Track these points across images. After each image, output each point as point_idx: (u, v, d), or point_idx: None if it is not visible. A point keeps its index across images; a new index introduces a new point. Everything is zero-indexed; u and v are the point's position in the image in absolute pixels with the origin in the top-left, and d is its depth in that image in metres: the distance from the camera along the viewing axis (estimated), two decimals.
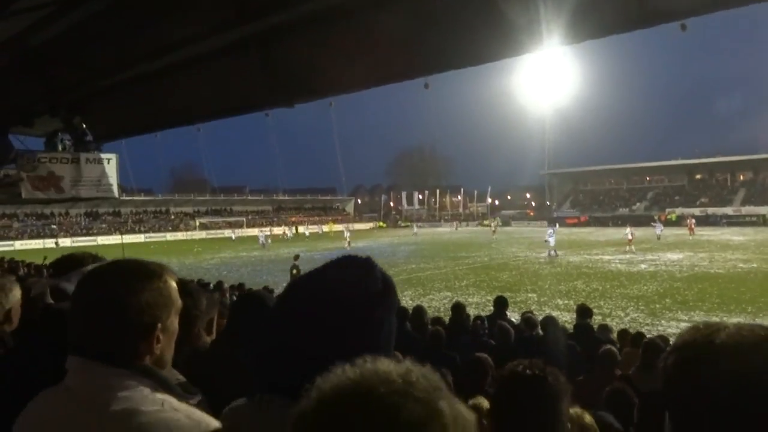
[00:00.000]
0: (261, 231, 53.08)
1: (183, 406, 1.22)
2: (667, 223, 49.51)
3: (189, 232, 70.79)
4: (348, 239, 42.95)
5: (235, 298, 9.31)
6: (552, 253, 29.11)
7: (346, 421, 0.60)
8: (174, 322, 1.33)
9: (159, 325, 1.26)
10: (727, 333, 0.84)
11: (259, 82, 6.74)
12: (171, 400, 1.21)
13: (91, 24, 5.54)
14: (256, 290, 2.70)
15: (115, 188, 10.59)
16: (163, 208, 78.19)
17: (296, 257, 18.73)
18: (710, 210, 62.65)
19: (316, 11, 4.91)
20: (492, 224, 57.81)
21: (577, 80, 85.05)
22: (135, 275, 1.27)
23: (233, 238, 58.24)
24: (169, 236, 67.31)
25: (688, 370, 0.85)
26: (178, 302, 1.33)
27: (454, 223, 74.88)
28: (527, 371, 1.62)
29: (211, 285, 11.55)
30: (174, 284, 1.32)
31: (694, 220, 45.06)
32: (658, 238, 36.87)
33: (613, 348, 5.14)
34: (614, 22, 3.94)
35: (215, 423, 1.16)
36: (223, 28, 5.29)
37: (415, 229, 61.53)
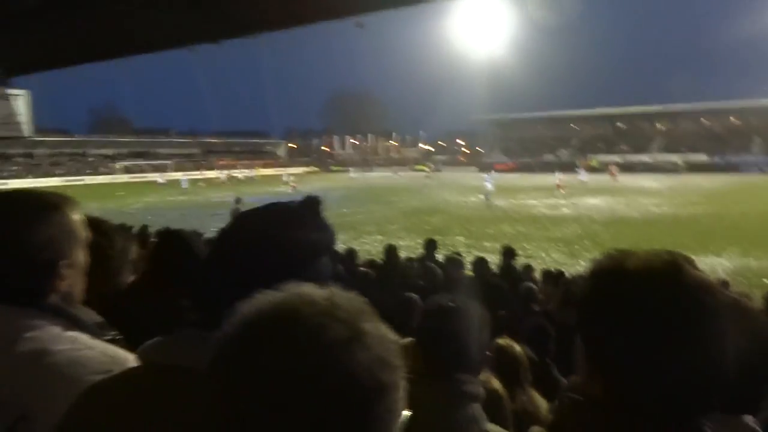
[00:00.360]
0: (184, 175, 50.61)
1: (97, 343, 1.18)
2: (588, 169, 51.70)
3: (110, 176, 67.57)
4: (292, 183, 41.98)
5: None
6: (489, 197, 29.54)
7: (271, 342, 0.60)
8: (80, 256, 1.27)
9: (63, 261, 1.21)
10: (637, 258, 0.89)
11: (184, 16, 6.37)
12: (84, 338, 1.18)
13: None
14: (179, 229, 2.60)
15: (26, 127, 9.90)
16: (81, 150, 74.01)
17: (238, 200, 17.47)
18: (629, 157, 65.90)
19: None
20: (425, 169, 58.50)
21: (510, 29, 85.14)
22: (32, 209, 1.19)
23: (161, 181, 54.02)
24: (88, 180, 63.98)
25: (601, 293, 0.90)
26: (83, 235, 1.27)
27: (394, 168, 74.62)
28: (449, 303, 1.71)
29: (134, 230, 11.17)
30: (77, 217, 1.26)
31: (617, 167, 47.73)
32: (582, 184, 38.57)
33: (533, 285, 5.43)
34: None
35: (132, 358, 1.12)
36: None
37: (352, 174, 61.17)
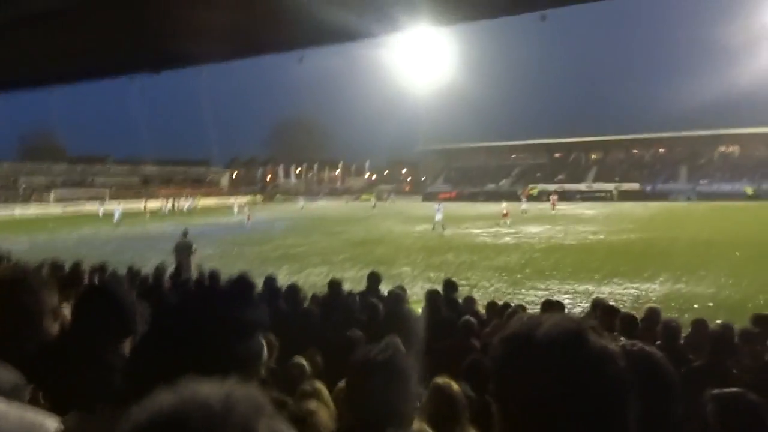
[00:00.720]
0: (118, 206, 45.54)
1: (14, 410, 1.11)
2: (529, 198, 53.35)
3: (43, 205, 64.46)
4: (247, 212, 40.48)
5: (94, 281, 8.67)
6: (439, 227, 29.78)
7: None
8: None
9: None
10: (545, 327, 0.93)
11: (124, 45, 6.23)
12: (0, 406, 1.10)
13: None
14: (104, 284, 2.55)
15: None
16: (11, 179, 70.49)
17: (185, 233, 16.02)
18: (567, 186, 68.35)
19: None
20: (372, 199, 58.77)
21: (452, 62, 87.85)
22: None
23: (101, 214, 49.05)
24: (19, 211, 60.81)
25: (511, 359, 0.94)
26: None
27: (345, 197, 74.47)
28: (377, 357, 1.70)
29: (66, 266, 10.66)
30: None
31: (556, 196, 49.57)
32: (524, 212, 39.64)
33: (471, 319, 5.47)
34: (483, 9, 4.09)
35: (51, 424, 1.07)
36: None
37: (302, 203, 60.57)
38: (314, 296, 7.58)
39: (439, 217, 30.52)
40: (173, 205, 56.67)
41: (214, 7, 5.33)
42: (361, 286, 13.30)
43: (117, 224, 37.13)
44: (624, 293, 13.26)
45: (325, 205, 66.79)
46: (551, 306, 5.93)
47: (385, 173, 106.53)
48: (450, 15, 3.88)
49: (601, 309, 6.07)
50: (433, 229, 29.92)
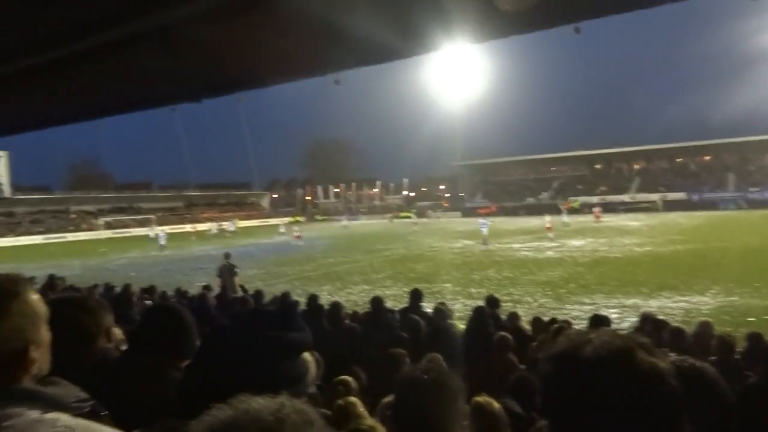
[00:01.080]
0: (158, 229, 46.96)
1: (79, 423, 1.15)
2: (571, 211, 52.39)
3: (93, 232, 66.81)
4: (297, 233, 41.01)
5: (146, 302, 8.92)
6: (485, 243, 29.96)
7: None
8: (44, 334, 1.25)
9: (30, 346, 1.19)
10: (593, 344, 0.92)
11: (164, 76, 6.44)
12: (64, 419, 1.14)
13: None
14: (167, 303, 2.65)
15: (5, 188, 9.84)
16: (63, 207, 73.37)
17: (227, 255, 16.15)
18: (609, 197, 66.88)
19: (224, 3, 4.76)
20: (412, 216, 58.45)
21: (486, 75, 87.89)
22: None
23: (152, 235, 49.09)
24: (71, 237, 63.17)
25: (559, 378, 0.93)
26: (43, 312, 1.25)
27: (387, 215, 74.09)
28: (424, 376, 1.69)
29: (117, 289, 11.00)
30: (34, 296, 1.24)
31: (600, 208, 48.81)
32: (565, 226, 38.92)
33: (507, 335, 5.39)
34: (518, 24, 4.09)
35: None
36: (122, 18, 5.01)
37: (345, 222, 60.98)
38: (356, 314, 7.61)
39: (485, 231, 30.74)
40: (219, 228, 57.90)
41: (252, 35, 5.47)
42: (403, 303, 13.30)
43: (162, 247, 38.03)
44: (674, 307, 12.84)
45: (367, 223, 67.08)
46: (599, 321, 5.79)
47: (423, 190, 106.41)
48: (486, 31, 3.89)
49: (650, 323, 5.90)
50: (483, 243, 29.90)
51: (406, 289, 16.90)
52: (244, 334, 1.07)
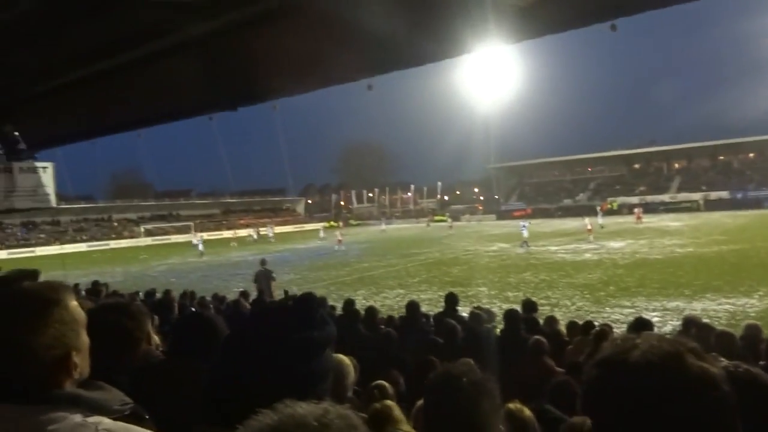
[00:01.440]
0: (198, 236, 47.13)
1: (120, 426, 1.18)
2: (609, 212, 51.34)
3: (134, 239, 68.61)
4: (339, 237, 41.39)
5: (185, 306, 9.10)
6: (525, 245, 29.83)
7: None
8: (84, 339, 1.27)
9: (72, 351, 1.21)
10: (640, 349, 0.89)
11: (201, 86, 6.60)
12: (106, 422, 1.17)
13: (17, 27, 5.29)
14: (201, 312, 2.72)
15: (52, 198, 10.16)
16: (105, 216, 75.56)
17: (263, 262, 16.54)
18: (648, 198, 65.31)
19: (256, 12, 4.84)
20: (447, 219, 58.04)
21: (518, 76, 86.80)
22: (32, 310, 1.18)
23: (194, 241, 46.13)
24: (113, 244, 64.99)
25: (604, 384, 0.90)
26: (83, 318, 1.27)
27: (422, 220, 73.16)
28: (463, 379, 1.66)
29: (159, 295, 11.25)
30: (73, 302, 1.26)
31: (641, 209, 47.22)
32: (601, 227, 38.15)
33: (542, 339, 5.29)
34: (552, 23, 4.05)
35: None
36: (160, 31, 5.15)
37: (383, 226, 60.89)
38: (390, 318, 7.61)
39: (525, 233, 30.65)
40: (258, 233, 58.74)
41: (286, 44, 5.54)
42: (438, 307, 13.22)
43: (201, 254, 38.74)
44: (718, 309, 12.44)
45: (404, 227, 66.99)
46: (642, 325, 5.63)
47: (456, 193, 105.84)
48: (520, 32, 3.86)
49: (695, 327, 5.72)
50: (522, 246, 29.75)
51: (441, 293, 16.81)
52: (259, 335, 1.06)
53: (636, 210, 47.21)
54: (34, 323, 1.17)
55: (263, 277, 15.10)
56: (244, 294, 11.45)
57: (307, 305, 1.11)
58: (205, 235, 49.29)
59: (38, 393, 1.15)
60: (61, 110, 8.17)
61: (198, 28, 5.19)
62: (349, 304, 7.80)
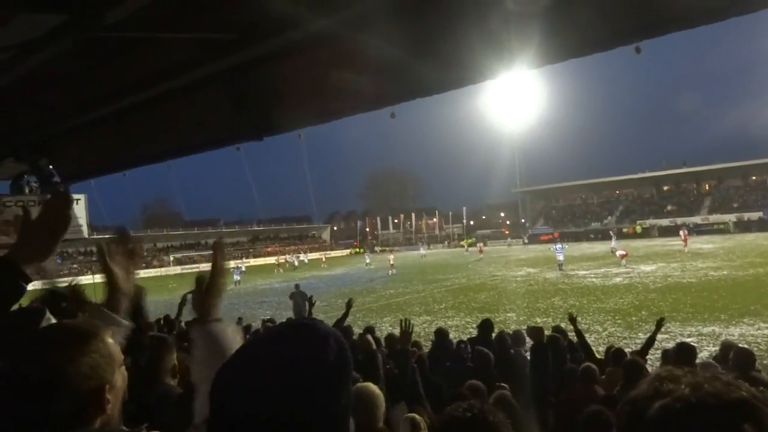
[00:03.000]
0: (236, 265, 45.08)
1: None
2: (635, 236, 50.20)
3: (163, 268, 69.62)
4: (391, 261, 41.09)
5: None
6: (560, 268, 29.76)
7: None
8: (118, 378, 1.29)
9: (106, 386, 1.23)
10: (680, 393, 0.79)
11: (228, 118, 6.71)
12: None
13: (53, 66, 5.48)
14: None
15: (84, 228, 10.38)
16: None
17: (297, 286, 17.67)
18: (679, 220, 64.03)
19: (281, 46, 4.94)
20: (475, 244, 56.66)
21: (542, 100, 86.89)
22: (70, 341, 1.22)
23: (236, 271, 41.91)
24: (143, 273, 65.98)
25: (639, 426, 0.81)
26: (120, 357, 1.30)
27: (462, 243, 70.10)
28: (466, 414, 1.63)
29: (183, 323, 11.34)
30: (110, 340, 1.29)
31: (686, 231, 43.43)
32: (612, 252, 36.93)
33: (593, 366, 5.17)
34: (577, 48, 4.04)
35: None
36: (188, 67, 5.28)
37: (422, 251, 59.81)
38: (416, 343, 7.54)
39: (561, 257, 30.36)
40: (297, 260, 59.17)
41: (309, 75, 5.62)
42: (465, 333, 13.05)
43: (237, 282, 37.91)
44: (757, 334, 12.03)
45: (441, 251, 66.36)
46: (685, 351, 5.41)
47: (482, 218, 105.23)
48: (545, 56, 3.85)
49: (734, 353, 5.52)
50: (560, 269, 29.61)
51: (468, 320, 16.64)
52: (259, 360, 0.90)
53: (682, 232, 42.81)
54: (72, 352, 1.19)
55: (299, 297, 15.84)
56: (271, 321, 11.52)
57: (304, 326, 0.96)
58: (239, 266, 47.47)
59: (72, 427, 1.16)
60: (92, 144, 8.41)
61: (224, 63, 5.31)
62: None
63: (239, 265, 44.04)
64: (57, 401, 1.16)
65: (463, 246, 68.36)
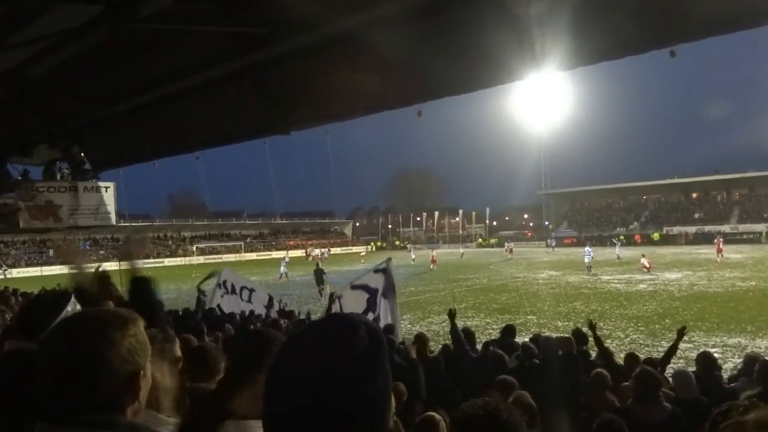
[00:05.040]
0: (284, 260, 41.87)
1: None
2: (651, 242, 49.14)
3: (187, 258, 70.57)
4: (433, 255, 41.49)
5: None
6: (588, 270, 30.01)
7: None
8: (149, 369, 1.30)
9: (141, 372, 1.24)
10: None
11: (256, 111, 6.79)
12: None
13: (88, 56, 5.60)
14: (260, 330, 2.76)
15: (113, 216, 10.58)
16: (162, 234, 78.07)
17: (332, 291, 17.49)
18: (707, 228, 62.78)
19: (311, 43, 4.97)
20: (507, 245, 54.80)
21: (570, 101, 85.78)
22: (110, 323, 1.22)
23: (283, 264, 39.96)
24: (167, 261, 66.97)
25: None
26: (150, 346, 1.31)
27: (507, 246, 65.35)
28: (479, 411, 1.63)
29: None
30: (143, 329, 1.30)
31: (722, 239, 40.06)
32: (618, 258, 37.48)
33: (604, 372, 5.09)
34: (609, 50, 4.00)
35: None
36: (219, 60, 5.36)
37: (462, 251, 58.66)
38: (445, 346, 7.53)
39: (588, 260, 30.60)
40: (328, 253, 59.61)
41: (336, 72, 5.65)
42: (485, 334, 12.99)
43: (283, 274, 36.98)
44: None
45: (479, 251, 65.81)
46: (707, 361, 5.30)
47: (505, 219, 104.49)
48: (575, 58, 3.82)
49: (760, 365, 5.40)
50: (588, 270, 30.00)
51: (488, 320, 16.57)
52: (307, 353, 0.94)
53: (717, 240, 39.31)
54: (112, 335, 1.20)
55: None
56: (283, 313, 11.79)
57: (350, 328, 0.98)
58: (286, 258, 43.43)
59: (103, 417, 1.17)
60: (124, 133, 8.57)
61: (255, 58, 5.37)
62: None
63: (285, 258, 43.49)
64: (97, 383, 1.17)
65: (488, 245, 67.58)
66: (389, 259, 11.85)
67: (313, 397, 0.87)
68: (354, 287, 11.22)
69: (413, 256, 48.94)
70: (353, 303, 10.50)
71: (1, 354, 1.88)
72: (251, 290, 14.16)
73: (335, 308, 9.87)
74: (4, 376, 1.54)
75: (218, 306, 12.85)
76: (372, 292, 10.94)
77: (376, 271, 11.61)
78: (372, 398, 0.91)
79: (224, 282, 14.11)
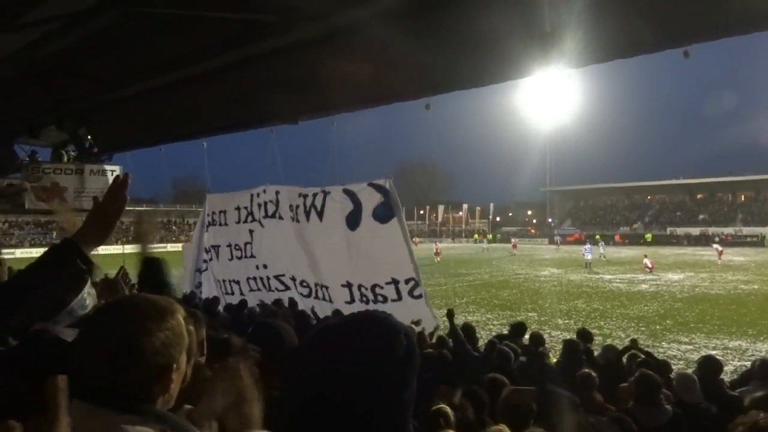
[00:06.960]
0: None
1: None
2: (644, 243, 49.07)
3: (190, 243, 70.84)
4: (487, 246, 42.19)
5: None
6: (590, 268, 30.32)
7: None
8: (183, 361, 1.28)
9: (174, 365, 1.22)
10: None
11: (265, 99, 6.78)
12: None
13: (98, 38, 5.59)
14: (271, 321, 2.76)
15: None
16: (166, 219, 78.27)
17: None
18: (711, 230, 62.61)
19: (319, 32, 4.96)
20: (513, 241, 54.50)
21: (578, 98, 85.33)
22: (149, 314, 1.21)
23: None
24: (170, 246, 67.11)
25: None
26: (187, 338, 1.29)
27: (513, 241, 64.11)
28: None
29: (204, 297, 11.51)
30: (182, 319, 1.28)
31: (718, 247, 36.90)
32: (603, 257, 37.54)
33: (590, 372, 5.08)
34: (621, 49, 3.98)
35: None
36: (228, 46, 5.35)
37: (485, 245, 57.43)
38: (441, 339, 7.53)
39: (588, 257, 30.95)
40: None
41: (346, 62, 5.63)
42: (486, 330, 13.02)
43: None
44: None
45: (505, 246, 65.59)
46: (711, 365, 5.27)
47: (509, 215, 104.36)
48: (585, 56, 3.80)
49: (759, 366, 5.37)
50: (586, 266, 30.41)
51: (489, 316, 16.59)
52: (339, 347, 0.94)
53: (715, 245, 38.45)
54: (149, 326, 1.19)
55: None
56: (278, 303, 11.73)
57: (392, 332, 0.98)
58: None
59: (134, 402, 1.17)
60: (132, 117, 8.57)
61: (264, 45, 5.35)
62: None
63: None
64: (128, 371, 1.16)
65: (475, 240, 67.55)
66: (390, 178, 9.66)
67: (343, 390, 0.88)
68: (346, 191, 9.45)
69: (485, 246, 50.49)
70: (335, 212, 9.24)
71: (35, 333, 1.89)
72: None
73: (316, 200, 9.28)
74: (43, 354, 1.56)
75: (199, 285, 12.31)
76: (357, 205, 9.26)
77: (371, 185, 9.38)
78: (400, 406, 0.93)
79: (212, 213, 12.17)
